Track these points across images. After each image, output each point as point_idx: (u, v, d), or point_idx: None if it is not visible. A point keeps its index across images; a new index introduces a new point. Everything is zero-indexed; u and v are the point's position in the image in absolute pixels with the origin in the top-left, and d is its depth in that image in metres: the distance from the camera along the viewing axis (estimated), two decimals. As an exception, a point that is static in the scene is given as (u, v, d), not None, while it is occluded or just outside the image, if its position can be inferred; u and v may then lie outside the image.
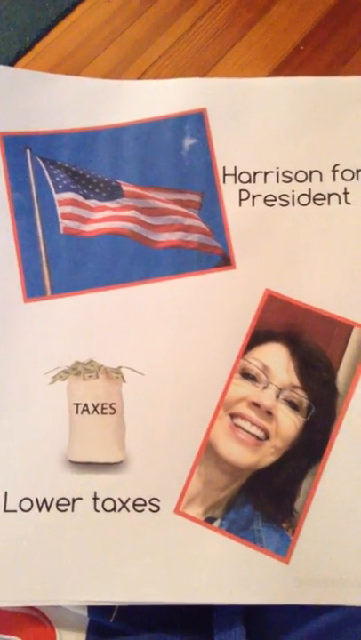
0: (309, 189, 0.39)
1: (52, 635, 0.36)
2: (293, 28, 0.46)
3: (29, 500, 0.36)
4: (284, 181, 0.40)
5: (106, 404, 0.37)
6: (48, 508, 0.35)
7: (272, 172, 0.40)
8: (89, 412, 0.37)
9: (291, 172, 0.40)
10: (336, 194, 0.39)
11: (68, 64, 0.46)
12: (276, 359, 0.37)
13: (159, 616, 0.36)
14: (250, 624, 0.35)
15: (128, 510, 0.35)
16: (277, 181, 0.40)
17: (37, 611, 0.36)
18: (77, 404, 0.37)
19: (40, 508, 0.35)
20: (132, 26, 0.46)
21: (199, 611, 0.36)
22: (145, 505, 0.35)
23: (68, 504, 0.35)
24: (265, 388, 0.37)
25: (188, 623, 0.37)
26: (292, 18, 0.46)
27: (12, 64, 0.47)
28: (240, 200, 0.40)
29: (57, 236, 0.39)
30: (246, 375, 0.37)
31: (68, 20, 0.47)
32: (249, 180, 0.40)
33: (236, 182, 0.40)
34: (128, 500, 0.35)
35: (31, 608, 0.36)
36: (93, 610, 0.35)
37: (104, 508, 0.35)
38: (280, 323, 0.38)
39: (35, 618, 0.36)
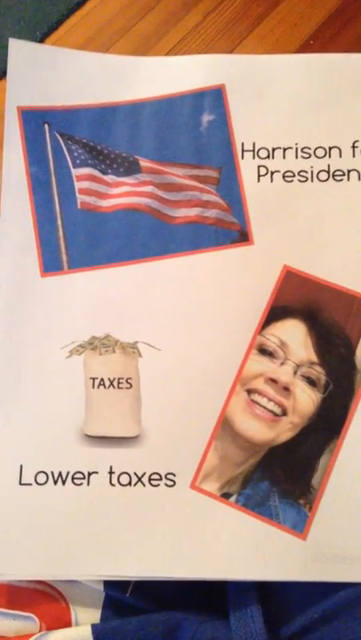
0: (328, 165, 0.39)
1: (67, 611, 0.35)
2: (303, 22, 0.45)
3: (45, 473, 0.35)
4: (302, 157, 0.39)
5: (122, 378, 0.37)
6: (63, 482, 0.35)
7: (291, 147, 0.40)
8: (105, 387, 0.37)
9: (310, 148, 0.39)
10: (355, 170, 0.39)
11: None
12: (293, 335, 0.37)
13: (175, 592, 0.36)
14: (265, 602, 0.34)
15: (144, 485, 0.35)
16: (296, 157, 0.39)
17: (52, 587, 0.36)
18: (94, 379, 0.37)
19: (55, 482, 0.35)
20: (142, 20, 0.46)
21: (215, 588, 0.35)
22: (161, 480, 0.35)
23: (84, 478, 0.35)
24: (282, 364, 0.36)
25: (203, 601, 0.36)
26: (302, 12, 0.46)
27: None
28: (258, 176, 0.39)
29: (74, 211, 0.39)
30: (264, 351, 0.37)
31: (79, 14, 0.47)
32: (268, 156, 0.40)
33: (254, 158, 0.40)
34: (144, 474, 0.35)
35: (45, 584, 0.36)
36: (109, 584, 0.35)
37: (120, 483, 0.35)
38: (298, 299, 0.37)
39: (49, 594, 0.36)
